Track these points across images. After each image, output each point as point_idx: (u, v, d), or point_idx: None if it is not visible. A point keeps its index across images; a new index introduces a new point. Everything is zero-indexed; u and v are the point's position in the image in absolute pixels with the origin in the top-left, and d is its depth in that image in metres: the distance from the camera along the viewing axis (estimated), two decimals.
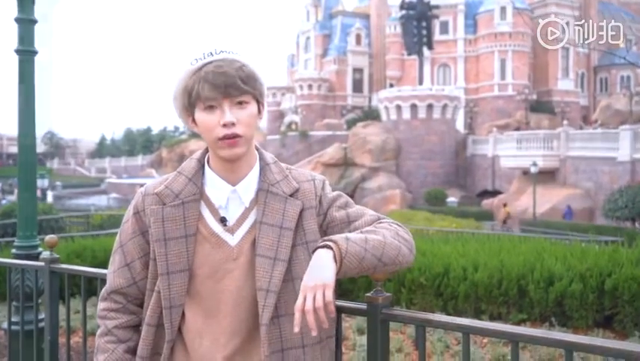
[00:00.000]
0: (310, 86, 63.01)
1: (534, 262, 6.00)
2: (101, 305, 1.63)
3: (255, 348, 1.49)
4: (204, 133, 1.49)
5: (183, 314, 1.53)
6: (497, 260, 6.16)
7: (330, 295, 1.35)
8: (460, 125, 51.82)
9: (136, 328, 1.62)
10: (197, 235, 1.51)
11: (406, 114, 45.79)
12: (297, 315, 1.34)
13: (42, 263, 2.95)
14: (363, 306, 1.66)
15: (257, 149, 1.61)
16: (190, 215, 1.51)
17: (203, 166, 1.58)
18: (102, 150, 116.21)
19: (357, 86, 66.57)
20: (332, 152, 46.55)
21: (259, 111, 1.54)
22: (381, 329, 1.63)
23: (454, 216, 28.47)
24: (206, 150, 1.60)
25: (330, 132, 52.08)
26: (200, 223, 1.52)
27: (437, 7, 53.92)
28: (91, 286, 3.24)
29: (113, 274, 1.62)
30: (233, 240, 1.51)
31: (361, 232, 1.51)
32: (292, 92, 66.27)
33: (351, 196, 46.38)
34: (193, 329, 1.52)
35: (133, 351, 1.58)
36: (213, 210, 1.53)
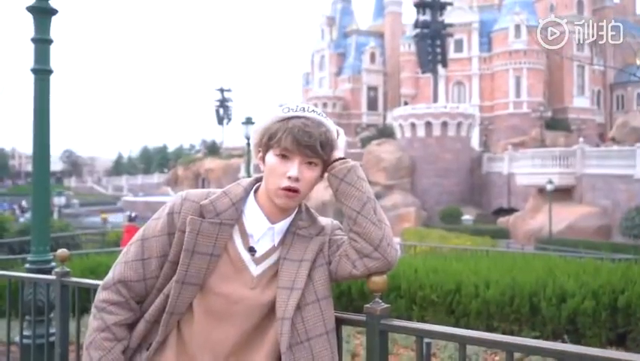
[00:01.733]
0: (325, 105, 63.32)
1: (546, 278, 5.95)
2: (102, 295, 1.61)
3: None
4: (269, 175, 1.58)
5: (189, 323, 1.57)
6: (509, 277, 6.12)
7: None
8: (475, 142, 51.69)
9: (131, 326, 1.62)
10: (222, 255, 1.57)
11: (421, 132, 45.77)
12: None
13: (54, 277, 2.99)
14: (362, 317, 1.68)
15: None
16: (222, 236, 1.57)
17: (247, 195, 1.65)
18: (119, 167, 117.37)
19: (372, 104, 66.81)
20: None
21: (322, 173, 1.64)
22: (380, 340, 1.65)
23: (469, 234, 28.30)
24: (255, 182, 1.68)
25: None
26: (229, 245, 1.58)
27: (451, 25, 54.10)
28: None
29: (124, 265, 1.61)
30: (256, 270, 1.58)
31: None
32: None
33: None
34: (199, 339, 1.56)
35: (124, 351, 1.60)
36: (245, 238, 1.60)
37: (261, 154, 1.62)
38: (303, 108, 1.59)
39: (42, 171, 4.02)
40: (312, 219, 1.68)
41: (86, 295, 2.89)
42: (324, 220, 1.72)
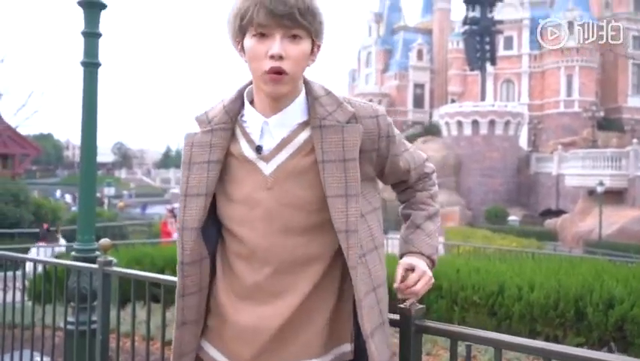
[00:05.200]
0: (371, 101, 62.78)
1: (593, 283, 5.77)
2: None
3: (288, 281, 1.44)
4: (250, 62, 1.41)
5: (224, 238, 1.52)
6: (554, 280, 5.97)
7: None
8: (523, 142, 50.64)
9: None
10: (230, 160, 1.48)
11: (467, 130, 45.11)
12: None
13: (96, 266, 3.06)
14: (396, 317, 1.65)
15: (306, 82, 1.52)
16: (217, 142, 1.48)
17: (242, 96, 1.53)
18: (167, 160, 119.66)
19: (418, 102, 66.14)
20: None
21: (312, 51, 1.45)
22: (414, 341, 1.62)
23: (514, 236, 27.77)
24: (251, 81, 1.52)
25: None
26: (234, 148, 1.48)
27: (501, 22, 53.05)
28: (143, 291, 3.32)
29: None
30: (267, 168, 1.45)
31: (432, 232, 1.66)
32: None
33: None
34: (231, 250, 1.49)
35: None
36: (249, 140, 1.48)
37: (240, 44, 1.44)
38: None
39: (89, 161, 4.12)
40: (336, 103, 1.48)
41: (128, 285, 2.94)
42: (363, 108, 1.50)
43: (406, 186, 1.69)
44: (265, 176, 1.44)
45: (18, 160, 32.63)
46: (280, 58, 1.35)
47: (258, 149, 1.45)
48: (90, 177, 4.15)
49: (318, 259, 1.45)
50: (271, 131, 1.46)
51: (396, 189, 1.73)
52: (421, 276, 1.52)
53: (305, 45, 1.40)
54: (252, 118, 1.49)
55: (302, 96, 1.49)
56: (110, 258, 3.04)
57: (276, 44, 1.35)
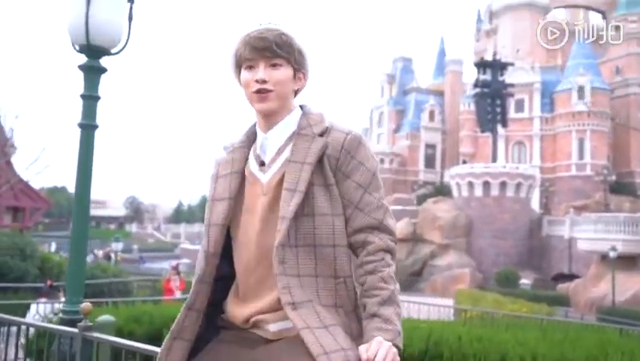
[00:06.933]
0: (382, 161, 63.34)
1: (597, 355, 5.59)
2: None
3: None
4: (244, 89, 1.72)
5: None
6: (558, 352, 5.79)
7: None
8: (535, 204, 50.35)
9: None
10: (244, 175, 1.74)
11: (478, 191, 45.00)
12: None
13: (76, 330, 3.00)
14: None
15: (303, 108, 1.78)
16: (237, 157, 1.77)
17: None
18: (178, 215, 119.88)
19: (430, 162, 66.44)
20: (401, 227, 45.99)
21: (295, 76, 1.73)
22: None
23: (525, 300, 27.19)
24: None
25: (399, 207, 51.65)
26: (246, 169, 1.75)
27: (512, 85, 53.65)
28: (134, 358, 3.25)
29: None
30: (264, 177, 1.70)
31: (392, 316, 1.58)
32: None
33: (419, 273, 45.49)
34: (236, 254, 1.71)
35: None
36: (256, 156, 1.75)
37: (238, 78, 1.75)
38: (260, 23, 1.71)
39: (81, 221, 4.11)
40: (318, 119, 1.74)
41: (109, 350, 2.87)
42: (340, 126, 1.74)
43: (356, 238, 1.67)
44: (262, 184, 1.70)
45: (29, 213, 32.84)
46: (264, 82, 1.67)
47: (262, 163, 1.72)
48: (81, 237, 4.13)
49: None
50: (270, 144, 1.73)
51: (350, 239, 1.68)
52: (380, 346, 1.47)
53: (285, 70, 1.70)
54: (258, 137, 1.76)
55: (296, 112, 1.76)
56: (89, 323, 2.98)
57: (260, 71, 1.67)
